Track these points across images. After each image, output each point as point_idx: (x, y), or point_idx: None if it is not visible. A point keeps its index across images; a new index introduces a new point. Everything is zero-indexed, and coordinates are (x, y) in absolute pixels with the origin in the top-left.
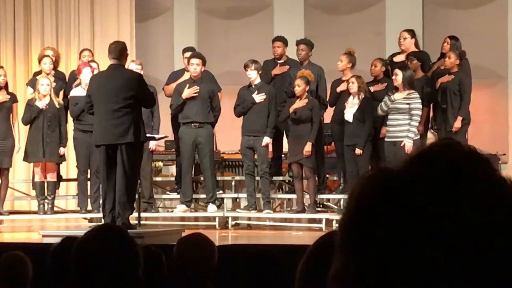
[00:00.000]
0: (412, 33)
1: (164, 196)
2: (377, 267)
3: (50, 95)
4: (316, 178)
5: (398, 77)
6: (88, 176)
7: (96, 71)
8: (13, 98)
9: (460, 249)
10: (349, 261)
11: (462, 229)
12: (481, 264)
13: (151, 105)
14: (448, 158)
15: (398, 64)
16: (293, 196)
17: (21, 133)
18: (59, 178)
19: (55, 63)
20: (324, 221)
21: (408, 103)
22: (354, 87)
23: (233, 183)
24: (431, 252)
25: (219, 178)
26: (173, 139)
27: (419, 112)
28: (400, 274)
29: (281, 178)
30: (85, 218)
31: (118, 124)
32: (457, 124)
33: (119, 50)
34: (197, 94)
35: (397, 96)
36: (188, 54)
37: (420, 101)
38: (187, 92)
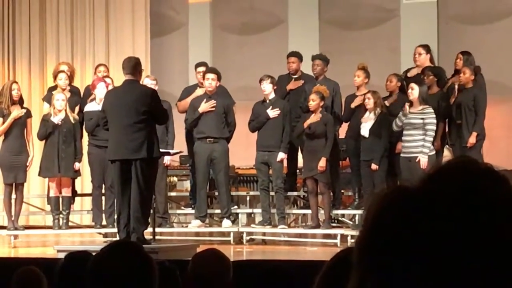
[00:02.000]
0: (427, 48)
1: (178, 211)
2: (394, 286)
3: (65, 110)
4: (331, 194)
5: (414, 91)
6: (103, 191)
7: (110, 87)
8: (28, 113)
9: (479, 267)
10: (366, 279)
11: (480, 247)
12: (501, 282)
13: (164, 122)
14: (465, 177)
15: (413, 79)
16: (308, 211)
17: (36, 148)
18: (74, 193)
19: (70, 78)
20: (339, 237)
21: (422, 118)
22: (370, 103)
23: (247, 198)
24: (449, 271)
25: (233, 193)
26: (187, 154)
27: (433, 127)
28: None
29: (295, 193)
30: (100, 233)
31: (132, 139)
32: (472, 139)
33: (132, 66)
34: (214, 109)
35: (411, 111)
36: (201, 69)
37: (434, 115)
38: (204, 106)
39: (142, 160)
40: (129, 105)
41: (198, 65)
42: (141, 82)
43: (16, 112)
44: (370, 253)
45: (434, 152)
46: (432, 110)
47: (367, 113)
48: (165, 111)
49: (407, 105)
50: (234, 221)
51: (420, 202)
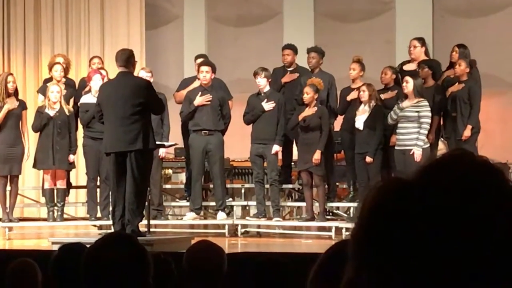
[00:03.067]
0: (422, 41)
1: (173, 204)
2: (390, 277)
3: (60, 102)
4: (326, 186)
5: (409, 84)
6: (98, 183)
7: (105, 79)
8: (23, 105)
9: (474, 259)
10: (361, 270)
11: (475, 240)
12: (497, 274)
13: (160, 111)
14: (461, 169)
15: (408, 72)
16: (303, 204)
17: (31, 140)
18: (69, 185)
19: (66, 70)
20: (333, 229)
21: (417, 111)
22: (365, 95)
23: (242, 191)
24: (444, 263)
25: (228, 185)
26: (183, 146)
27: (428, 120)
28: (413, 285)
29: (290, 186)
30: (95, 226)
31: (127, 131)
32: (467, 132)
33: (126, 58)
34: (209, 103)
35: (406, 104)
36: (199, 61)
37: (429, 109)
38: (199, 100)
39: (138, 152)
40: (124, 97)
41: (197, 57)
42: (135, 74)
43: (9, 105)
44: (365, 245)
45: (428, 145)
46: (427, 103)
47: (362, 105)
48: (160, 101)
49: (398, 103)
50: (229, 214)
51: (415, 194)
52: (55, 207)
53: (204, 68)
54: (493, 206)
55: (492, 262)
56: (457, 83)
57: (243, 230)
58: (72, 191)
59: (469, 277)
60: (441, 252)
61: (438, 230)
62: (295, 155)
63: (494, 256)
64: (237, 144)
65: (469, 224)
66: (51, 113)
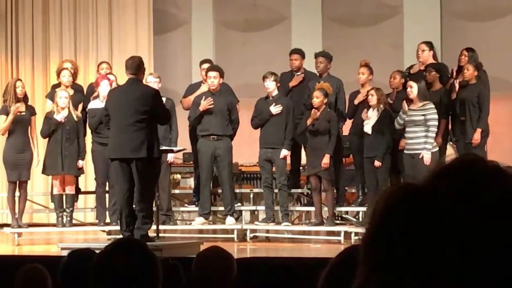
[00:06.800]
0: (430, 45)
1: (182, 209)
2: (400, 283)
3: (68, 108)
4: (335, 191)
5: (413, 89)
6: (107, 188)
7: (114, 84)
8: (32, 111)
9: (486, 265)
10: (372, 276)
11: (488, 245)
12: (508, 280)
13: (165, 122)
14: (473, 175)
15: (416, 76)
16: (312, 208)
17: (39, 146)
18: (78, 191)
19: (74, 76)
20: (342, 234)
21: (423, 114)
22: (373, 100)
23: (251, 196)
24: (456, 269)
25: (237, 190)
26: (191, 151)
27: (435, 123)
28: None
29: (299, 190)
30: (104, 231)
31: (131, 138)
32: (477, 136)
33: (136, 65)
34: (212, 106)
35: (412, 108)
36: (205, 66)
37: (435, 111)
38: (202, 105)
39: (141, 160)
40: (130, 104)
41: (202, 62)
42: (144, 80)
43: (15, 106)
44: (376, 251)
45: (437, 149)
46: (433, 106)
47: (370, 110)
48: (167, 111)
49: (405, 104)
50: (238, 218)
51: (427, 200)
52: (64, 213)
53: (212, 74)
54: (505, 211)
55: (504, 266)
56: (465, 87)
57: (252, 235)
58: (81, 196)
59: (481, 281)
60: (452, 257)
61: (450, 236)
62: (303, 159)
63: (505, 260)
64: (246, 149)
65: (480, 229)
66: (59, 118)
